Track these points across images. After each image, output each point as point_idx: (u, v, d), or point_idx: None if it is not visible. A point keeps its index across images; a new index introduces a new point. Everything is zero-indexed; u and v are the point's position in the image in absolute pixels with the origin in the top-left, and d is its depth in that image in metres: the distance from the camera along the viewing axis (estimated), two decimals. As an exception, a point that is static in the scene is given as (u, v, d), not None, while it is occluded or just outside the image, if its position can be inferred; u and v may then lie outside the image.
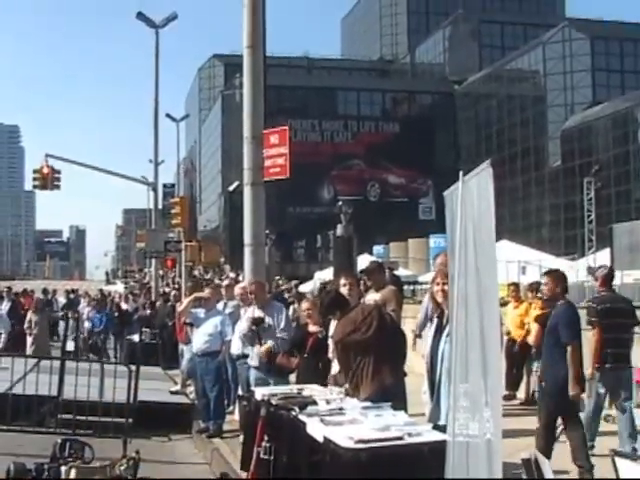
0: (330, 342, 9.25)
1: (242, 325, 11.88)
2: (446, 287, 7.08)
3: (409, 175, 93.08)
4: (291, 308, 19.00)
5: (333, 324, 9.21)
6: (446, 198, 5.49)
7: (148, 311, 26.13)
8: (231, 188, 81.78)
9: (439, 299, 7.86)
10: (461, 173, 5.01)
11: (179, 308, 15.54)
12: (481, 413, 4.57)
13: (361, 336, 8.05)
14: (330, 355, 9.22)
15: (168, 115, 58.18)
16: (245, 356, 11.83)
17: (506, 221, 70.61)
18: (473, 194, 4.81)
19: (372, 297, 10.48)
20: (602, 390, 10.19)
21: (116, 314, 27.97)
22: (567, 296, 9.46)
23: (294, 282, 34.36)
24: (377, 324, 8.11)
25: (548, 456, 7.37)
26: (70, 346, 20.93)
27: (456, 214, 5.07)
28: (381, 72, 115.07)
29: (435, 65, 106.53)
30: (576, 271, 37.94)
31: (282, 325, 11.28)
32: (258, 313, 11.53)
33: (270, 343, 11.09)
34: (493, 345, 4.53)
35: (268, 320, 11.42)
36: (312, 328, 10.22)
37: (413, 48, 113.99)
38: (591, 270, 11.13)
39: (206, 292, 13.89)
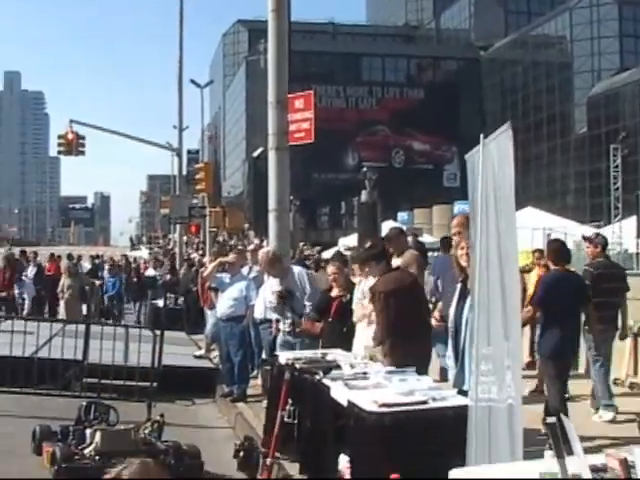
0: (355, 305, 9.19)
1: (266, 293, 11.83)
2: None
3: (434, 142, 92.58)
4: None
5: (358, 288, 9.20)
6: (467, 161, 5.48)
7: (168, 276, 26.11)
8: (255, 154, 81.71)
9: (463, 263, 7.79)
10: (482, 136, 4.97)
11: (204, 273, 15.60)
12: (503, 377, 4.56)
13: (409, 297, 8.11)
14: (355, 319, 9.16)
15: (192, 81, 57.91)
16: (268, 320, 11.82)
17: (531, 188, 70.24)
18: (494, 156, 4.77)
19: (395, 263, 10.41)
20: (594, 352, 10.74)
21: (135, 280, 28.00)
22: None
23: (317, 248, 34.40)
24: (421, 290, 8.22)
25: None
26: (83, 310, 21.24)
27: (477, 177, 5.04)
28: (406, 38, 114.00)
29: (460, 31, 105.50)
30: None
31: (308, 292, 11.16)
32: (276, 285, 11.37)
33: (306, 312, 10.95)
34: (514, 308, 4.51)
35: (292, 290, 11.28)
36: (336, 292, 10.19)
37: (438, 14, 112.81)
38: (585, 237, 11.79)
39: (231, 257, 13.92)
